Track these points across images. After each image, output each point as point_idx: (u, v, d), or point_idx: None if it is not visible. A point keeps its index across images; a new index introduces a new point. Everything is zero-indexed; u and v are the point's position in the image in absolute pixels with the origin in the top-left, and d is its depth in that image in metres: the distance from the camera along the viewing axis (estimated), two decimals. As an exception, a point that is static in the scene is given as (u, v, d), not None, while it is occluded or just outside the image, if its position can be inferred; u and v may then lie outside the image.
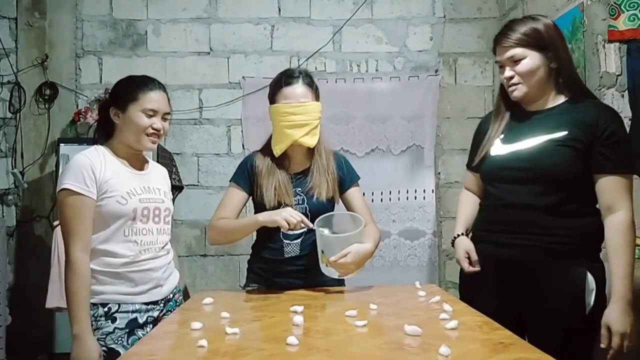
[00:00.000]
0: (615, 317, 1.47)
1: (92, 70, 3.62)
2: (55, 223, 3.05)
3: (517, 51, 1.60)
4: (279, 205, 1.86)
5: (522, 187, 1.61)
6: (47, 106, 3.51)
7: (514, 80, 1.63)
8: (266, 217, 1.78)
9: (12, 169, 3.46)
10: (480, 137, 1.80)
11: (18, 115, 3.50)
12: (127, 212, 1.64)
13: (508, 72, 1.63)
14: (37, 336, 3.24)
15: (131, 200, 1.65)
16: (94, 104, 3.42)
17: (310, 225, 1.77)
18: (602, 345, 1.49)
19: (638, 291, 2.14)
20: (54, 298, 2.89)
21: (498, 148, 1.70)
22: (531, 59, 1.60)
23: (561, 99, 1.65)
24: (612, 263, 1.51)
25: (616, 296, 1.49)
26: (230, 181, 1.96)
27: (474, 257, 1.74)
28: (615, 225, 1.53)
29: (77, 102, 3.57)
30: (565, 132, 1.56)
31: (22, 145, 3.49)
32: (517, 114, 1.70)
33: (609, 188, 1.54)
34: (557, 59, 1.60)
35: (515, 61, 1.61)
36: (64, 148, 3.18)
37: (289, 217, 1.72)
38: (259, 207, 1.90)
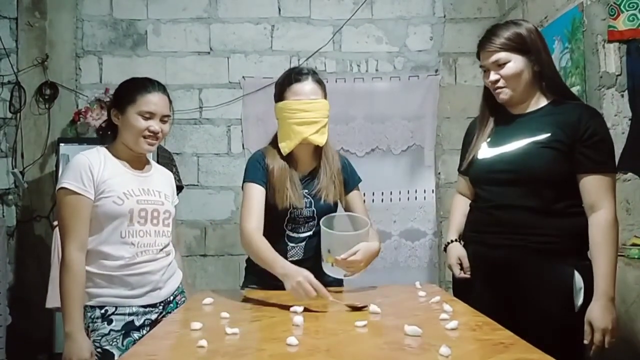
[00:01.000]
0: (596, 313, 1.50)
1: (92, 70, 3.62)
2: (55, 223, 3.05)
3: (502, 55, 1.63)
4: (289, 207, 1.83)
5: (509, 188, 1.64)
6: (47, 106, 3.52)
7: (500, 84, 1.66)
8: (283, 277, 1.60)
9: (12, 168, 3.46)
10: (468, 141, 1.83)
11: (18, 115, 3.50)
12: (123, 212, 1.64)
13: (493, 76, 1.66)
14: (37, 336, 3.25)
15: (128, 201, 1.65)
16: (94, 104, 3.42)
17: (328, 297, 1.54)
18: (585, 341, 1.52)
19: (622, 289, 2.15)
20: (54, 298, 2.89)
21: (485, 151, 1.73)
22: (515, 63, 1.63)
23: (544, 102, 1.68)
24: (595, 261, 1.54)
25: (598, 293, 1.52)
26: (245, 181, 1.86)
27: (466, 263, 1.78)
28: (597, 224, 1.55)
29: (77, 102, 3.57)
30: (548, 134, 1.59)
31: (22, 145, 3.50)
32: (502, 118, 1.73)
33: (591, 187, 1.56)
34: (539, 62, 1.64)
35: (499, 65, 1.65)
36: (64, 148, 3.18)
37: (301, 292, 1.52)
38: (270, 208, 1.84)
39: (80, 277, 1.59)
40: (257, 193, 1.82)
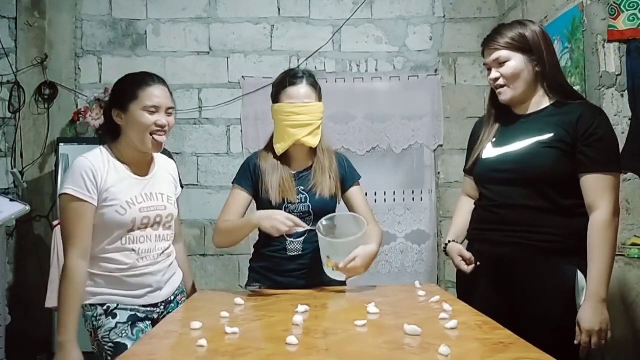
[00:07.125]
0: (585, 315, 1.50)
1: (92, 70, 3.62)
2: (55, 223, 3.05)
3: (503, 53, 1.65)
4: (283, 202, 1.87)
5: (512, 188, 1.64)
6: (46, 106, 3.51)
7: (500, 82, 1.67)
8: (258, 221, 1.76)
9: (12, 168, 3.46)
10: (474, 141, 1.84)
11: (18, 115, 3.50)
12: (125, 222, 1.62)
13: (494, 74, 1.68)
14: (36, 336, 3.25)
15: (130, 210, 1.63)
16: (93, 104, 3.42)
17: (304, 227, 1.76)
18: (575, 342, 1.52)
19: (622, 288, 2.15)
20: (54, 298, 2.88)
21: (489, 151, 1.74)
22: (515, 61, 1.64)
23: (547, 103, 1.68)
24: (589, 261, 1.53)
25: (589, 294, 1.52)
26: (232, 183, 1.96)
27: (467, 254, 1.76)
28: (593, 224, 1.54)
29: (76, 101, 3.57)
30: (552, 134, 1.60)
31: (21, 145, 3.49)
32: (508, 118, 1.74)
33: (590, 187, 1.56)
34: (541, 62, 1.64)
35: (500, 63, 1.66)
36: (63, 148, 3.19)
37: (278, 224, 1.71)
38: (265, 204, 1.89)
39: (81, 287, 1.57)
40: (235, 196, 1.92)
